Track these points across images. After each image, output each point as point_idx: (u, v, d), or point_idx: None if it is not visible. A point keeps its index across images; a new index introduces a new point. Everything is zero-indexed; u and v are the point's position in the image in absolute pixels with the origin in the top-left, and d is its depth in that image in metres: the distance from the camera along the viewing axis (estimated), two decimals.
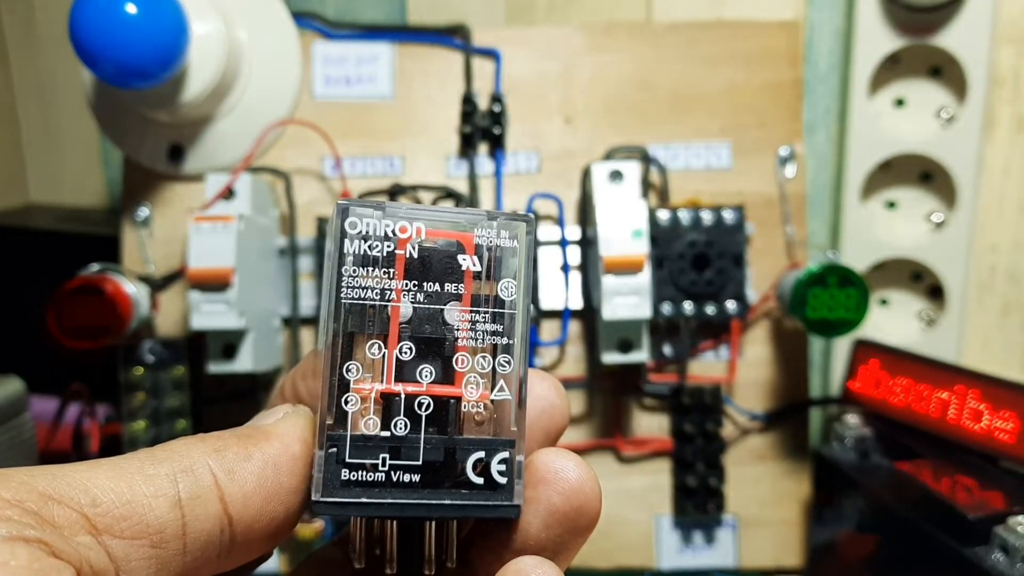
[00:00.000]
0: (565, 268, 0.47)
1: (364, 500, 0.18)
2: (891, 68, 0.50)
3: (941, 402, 0.43)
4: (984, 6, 0.48)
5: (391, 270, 0.18)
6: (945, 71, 0.50)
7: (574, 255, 0.48)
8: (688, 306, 0.46)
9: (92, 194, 0.64)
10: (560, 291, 0.47)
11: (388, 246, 0.18)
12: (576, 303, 0.47)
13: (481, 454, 0.18)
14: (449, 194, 0.48)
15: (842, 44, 0.53)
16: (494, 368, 0.19)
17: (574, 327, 0.48)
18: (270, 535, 0.18)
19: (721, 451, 0.47)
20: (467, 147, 0.49)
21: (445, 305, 0.19)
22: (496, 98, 0.48)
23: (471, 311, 0.19)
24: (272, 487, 0.18)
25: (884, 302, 0.53)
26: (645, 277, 0.41)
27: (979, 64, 0.48)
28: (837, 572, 0.45)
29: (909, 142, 0.50)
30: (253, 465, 0.18)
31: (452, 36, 0.50)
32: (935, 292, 0.52)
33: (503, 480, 0.18)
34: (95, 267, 0.45)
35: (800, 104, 0.49)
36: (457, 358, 0.19)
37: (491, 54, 0.49)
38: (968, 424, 0.42)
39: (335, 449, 0.18)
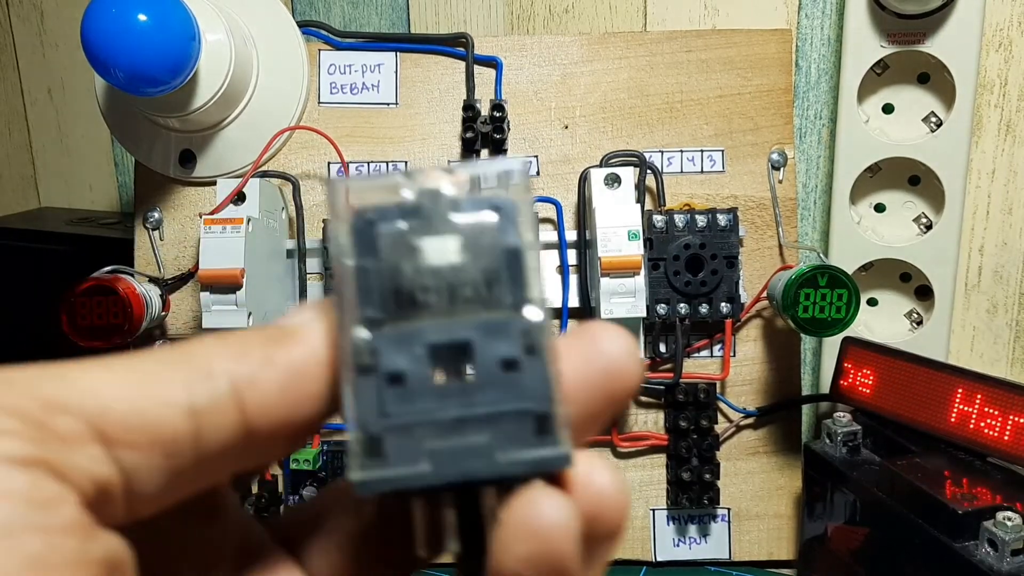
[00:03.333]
0: (564, 269, 0.49)
1: (422, 470, 0.16)
2: (880, 74, 0.52)
3: (929, 399, 0.44)
4: (971, 14, 0.49)
5: None
6: (933, 77, 0.51)
7: (573, 257, 0.49)
8: (683, 306, 0.47)
9: (104, 198, 0.65)
10: (559, 291, 0.49)
11: None
12: (575, 303, 0.49)
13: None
14: None
15: (832, 51, 0.55)
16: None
17: (572, 326, 0.50)
18: (290, 441, 0.17)
19: (715, 446, 0.49)
20: (468, 152, 0.50)
21: None
22: (497, 104, 0.49)
23: None
24: (295, 395, 0.16)
25: (873, 302, 0.55)
26: (641, 278, 0.43)
27: (967, 70, 0.49)
28: (828, 565, 0.46)
29: (898, 146, 0.51)
30: (275, 372, 0.16)
31: (454, 45, 0.51)
32: (923, 292, 0.53)
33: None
34: (107, 268, 0.46)
35: (791, 110, 0.50)
36: None
37: (492, 62, 0.51)
38: (956, 420, 0.43)
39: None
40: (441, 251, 0.17)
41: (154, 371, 0.15)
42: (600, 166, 0.47)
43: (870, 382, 0.47)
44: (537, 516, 0.15)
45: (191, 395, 0.15)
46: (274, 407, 0.16)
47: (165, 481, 0.15)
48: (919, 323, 0.53)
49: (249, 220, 0.43)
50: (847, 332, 0.45)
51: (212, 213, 0.44)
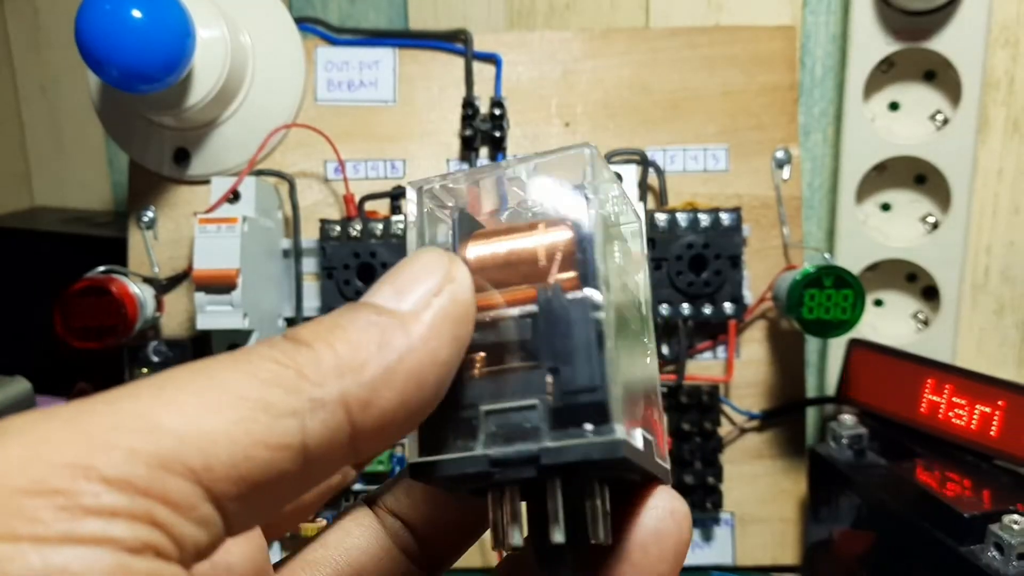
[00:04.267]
0: None
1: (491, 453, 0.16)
2: (886, 72, 0.51)
3: (935, 401, 0.43)
4: (978, 10, 0.48)
5: None
6: (939, 75, 0.51)
7: None
8: (686, 307, 0.46)
9: (98, 197, 0.65)
10: None
11: None
12: None
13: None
14: None
15: (837, 48, 0.54)
16: None
17: None
18: (383, 449, 0.15)
19: (718, 449, 0.48)
20: (468, 150, 0.49)
21: None
22: (496, 102, 0.49)
23: None
24: (413, 409, 0.14)
25: (879, 303, 0.54)
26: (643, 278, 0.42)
27: (973, 68, 0.49)
28: (833, 570, 0.45)
29: (904, 145, 0.50)
30: (393, 393, 0.13)
31: (453, 41, 0.50)
32: (929, 293, 0.53)
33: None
34: (101, 269, 0.45)
35: (796, 108, 0.50)
36: None
37: (492, 59, 0.50)
38: (961, 422, 0.42)
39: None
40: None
41: (258, 400, 0.13)
42: None
43: (876, 384, 0.46)
44: (677, 510, 0.17)
45: (303, 430, 0.13)
46: (384, 430, 0.14)
47: (261, 518, 0.14)
48: (925, 324, 0.53)
49: (244, 219, 0.43)
50: (853, 333, 0.45)
51: (207, 212, 0.44)
